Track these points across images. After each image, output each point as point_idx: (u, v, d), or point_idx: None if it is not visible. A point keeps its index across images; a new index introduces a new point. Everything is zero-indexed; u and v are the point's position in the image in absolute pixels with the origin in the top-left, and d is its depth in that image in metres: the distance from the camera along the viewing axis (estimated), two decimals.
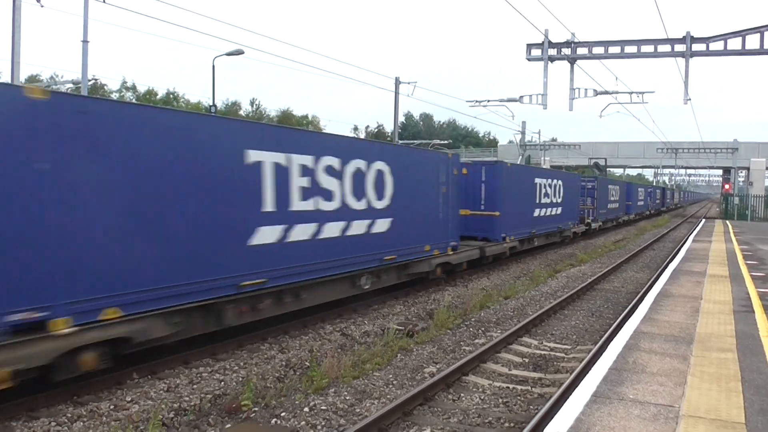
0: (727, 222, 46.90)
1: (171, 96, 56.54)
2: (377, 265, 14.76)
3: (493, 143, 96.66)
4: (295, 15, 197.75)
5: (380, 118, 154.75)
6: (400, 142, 38.08)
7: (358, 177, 13.71)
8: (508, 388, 9.52)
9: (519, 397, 9.13)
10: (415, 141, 49.38)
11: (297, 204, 11.84)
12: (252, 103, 66.70)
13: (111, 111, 8.66)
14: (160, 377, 9.73)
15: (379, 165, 14.54)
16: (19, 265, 7.47)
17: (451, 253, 18.27)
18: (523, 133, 62.93)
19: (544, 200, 26.47)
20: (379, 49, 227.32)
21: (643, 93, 35.64)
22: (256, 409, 8.32)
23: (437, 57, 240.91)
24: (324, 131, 69.30)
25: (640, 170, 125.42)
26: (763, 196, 61.89)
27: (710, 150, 65.91)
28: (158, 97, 55.27)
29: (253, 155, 10.78)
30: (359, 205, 13.81)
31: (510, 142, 75.34)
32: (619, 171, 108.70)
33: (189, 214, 9.62)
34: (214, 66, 26.96)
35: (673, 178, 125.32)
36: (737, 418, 5.47)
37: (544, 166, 68.46)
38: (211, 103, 29.10)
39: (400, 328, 12.82)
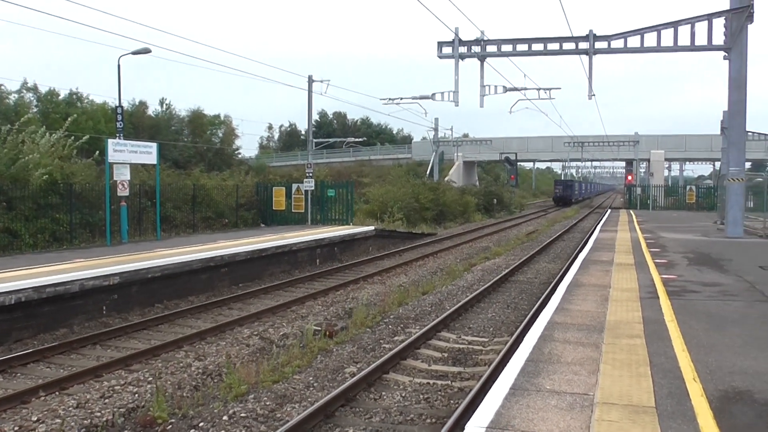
0: (631, 211, 48.82)
1: (74, 96, 54.30)
2: None
3: (407, 140, 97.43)
4: (205, 12, 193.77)
5: (294, 117, 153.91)
6: (315, 141, 37.82)
7: None
8: (428, 383, 9.57)
9: (440, 393, 9.19)
10: (330, 139, 49.11)
11: None
12: (161, 103, 64.76)
13: None
14: (69, 393, 9.30)
15: None
16: None
17: None
18: (435, 129, 63.75)
19: None
20: (293, 48, 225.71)
21: (550, 89, 36.74)
22: (173, 420, 8.06)
23: (351, 55, 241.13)
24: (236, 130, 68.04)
25: (548, 163, 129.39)
26: (663, 185, 64.86)
27: (613, 143, 68.43)
28: (60, 97, 52.95)
29: None
30: None
31: (423, 138, 76.20)
32: (528, 165, 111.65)
33: None
34: (119, 65, 26.05)
35: (579, 170, 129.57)
36: (648, 402, 5.65)
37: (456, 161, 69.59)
38: (117, 104, 28.12)
39: (319, 328, 12.72)
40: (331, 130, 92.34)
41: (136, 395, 9.12)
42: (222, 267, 18.45)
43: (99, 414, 8.39)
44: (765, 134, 49.76)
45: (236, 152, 70.52)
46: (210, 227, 28.37)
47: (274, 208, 31.49)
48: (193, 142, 61.55)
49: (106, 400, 8.94)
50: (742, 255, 17.92)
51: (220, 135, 69.66)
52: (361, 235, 27.64)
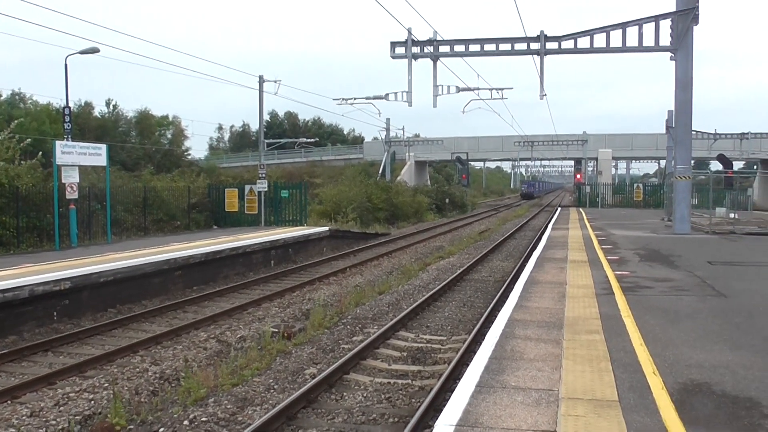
0: (581, 210, 49.69)
1: (17, 97, 52.73)
2: None
3: (358, 140, 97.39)
4: (153, 10, 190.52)
5: (246, 117, 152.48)
6: (266, 141, 37.51)
7: None
8: (389, 383, 9.57)
9: (401, 392, 9.20)
10: (281, 140, 48.76)
11: None
12: (108, 104, 63.34)
13: None
14: (23, 401, 9.04)
15: None
16: None
17: None
18: (387, 129, 63.88)
19: None
20: (244, 47, 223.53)
21: (503, 89, 37.13)
22: (131, 427, 7.89)
23: (303, 55, 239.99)
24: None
25: (499, 163, 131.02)
26: (611, 184, 66.20)
27: (563, 142, 69.62)
28: (2, 98, 51.35)
29: None
30: None
31: (375, 138, 76.34)
32: (479, 164, 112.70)
33: None
34: (66, 65, 25.41)
35: (529, 169, 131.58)
36: (611, 396, 5.75)
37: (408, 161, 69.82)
38: (63, 105, 27.42)
39: (276, 330, 12.61)
40: (283, 130, 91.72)
41: (92, 402, 8.90)
42: (176, 270, 18.16)
43: (54, 422, 8.16)
44: (709, 133, 51.26)
45: (186, 153, 69.42)
46: (162, 230, 27.89)
47: (226, 210, 31.13)
48: (141, 144, 60.44)
49: (61, 408, 8.70)
50: (690, 251, 18.39)
51: (169, 136, 68.49)
52: (316, 235, 27.54)
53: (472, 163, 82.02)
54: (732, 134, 56.93)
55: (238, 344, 12.10)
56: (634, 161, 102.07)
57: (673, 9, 23.45)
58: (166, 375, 10.13)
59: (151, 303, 16.49)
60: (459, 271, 20.00)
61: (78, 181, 21.69)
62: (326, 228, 29.47)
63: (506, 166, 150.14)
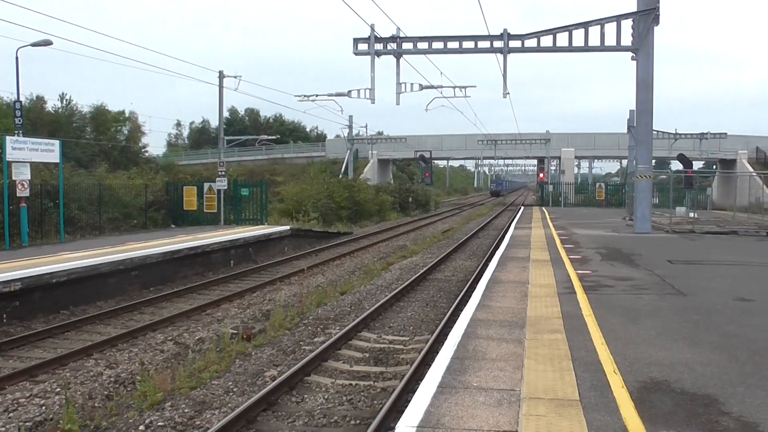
0: (544, 209, 50.24)
1: None
2: None
3: (321, 138, 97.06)
4: (110, 3, 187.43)
5: (206, 113, 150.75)
6: (226, 138, 37.16)
7: None
8: (351, 384, 9.56)
9: (363, 393, 9.19)
10: (242, 137, 48.30)
11: None
12: (61, 98, 62.11)
13: None
14: None
15: None
16: None
17: None
18: (350, 127, 63.83)
19: None
20: (204, 42, 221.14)
21: (466, 87, 37.38)
22: None
23: (264, 50, 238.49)
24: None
25: (462, 161, 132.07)
26: (574, 183, 67.03)
27: (526, 141, 70.25)
28: None
29: None
30: None
31: (337, 136, 76.11)
32: (442, 163, 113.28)
33: None
34: (17, 57, 24.84)
35: (492, 168, 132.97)
36: (572, 395, 5.82)
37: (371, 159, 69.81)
38: (14, 99, 26.83)
39: (236, 332, 12.51)
40: (243, 127, 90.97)
41: (44, 408, 8.72)
42: (132, 270, 17.90)
43: (3, 429, 7.98)
44: (670, 133, 52.25)
45: (143, 150, 68.47)
46: (117, 229, 27.47)
47: (185, 209, 30.78)
48: (96, 140, 59.44)
49: (11, 414, 8.51)
50: (651, 250, 18.71)
51: (126, 132, 67.47)
52: (276, 234, 27.39)
53: (435, 161, 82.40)
54: (692, 134, 58.23)
55: (196, 346, 11.98)
56: (596, 160, 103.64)
57: (635, 9, 23.82)
58: (122, 379, 9.98)
59: (106, 304, 16.21)
60: (422, 271, 20.08)
61: (29, 178, 21.25)
62: (287, 227, 29.32)
63: (470, 164, 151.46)
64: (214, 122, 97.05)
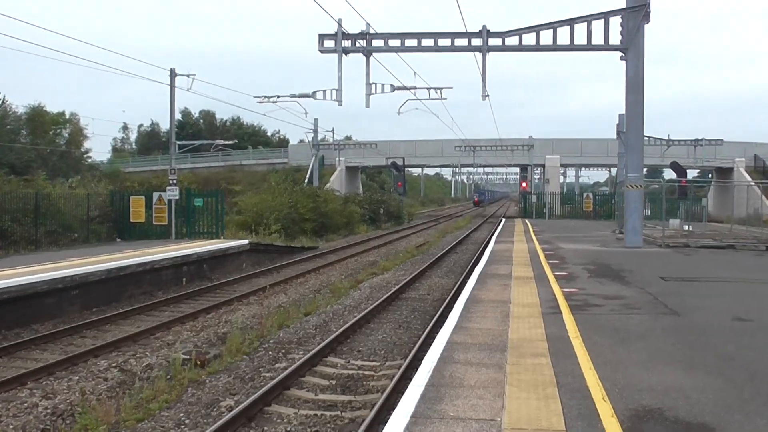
0: (527, 221, 50.59)
1: None
2: None
3: (283, 143, 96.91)
4: None
5: (155, 115, 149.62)
6: (178, 143, 36.92)
7: None
8: (316, 415, 9.52)
9: (329, 425, 9.16)
10: (196, 141, 48.02)
11: None
12: None
13: None
14: None
15: None
16: None
17: None
18: (315, 131, 63.75)
19: None
20: (155, 38, 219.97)
21: (442, 89, 37.55)
22: None
23: (221, 47, 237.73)
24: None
25: (438, 169, 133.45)
26: (559, 193, 67.59)
27: (507, 147, 70.74)
28: None
29: None
30: None
31: (301, 141, 76.10)
32: (417, 170, 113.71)
33: None
34: None
35: (471, 177, 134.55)
36: (557, 425, 5.84)
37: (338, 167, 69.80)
38: None
39: (188, 357, 12.39)
40: (197, 130, 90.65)
41: None
42: (72, 289, 17.68)
43: None
44: (662, 139, 52.98)
45: (85, 156, 67.90)
46: (56, 243, 27.12)
47: (132, 221, 30.51)
48: (33, 144, 58.76)
49: None
50: (643, 265, 18.94)
51: (66, 136, 66.84)
52: (234, 249, 27.27)
53: (409, 169, 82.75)
54: (686, 140, 59.07)
55: (144, 373, 11.85)
56: (583, 168, 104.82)
57: (624, 6, 24.18)
58: (60, 410, 9.83)
59: (43, 327, 15.99)
60: (394, 289, 20.10)
61: None
62: (246, 241, 29.20)
63: (446, 173, 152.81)
64: (165, 125, 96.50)
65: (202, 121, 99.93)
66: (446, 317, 11.58)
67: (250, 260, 28.49)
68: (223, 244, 27.01)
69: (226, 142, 51.75)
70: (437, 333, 10.18)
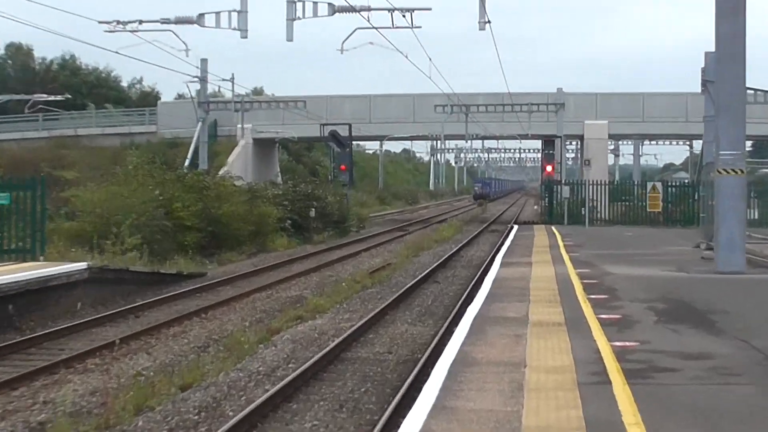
0: (554, 228, 50.79)
1: None
2: None
3: (149, 99, 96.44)
4: None
5: None
6: None
7: None
8: None
9: None
10: (1, 97, 47.52)
11: None
12: None
13: None
14: None
15: None
16: None
17: None
18: (203, 80, 63.43)
19: None
20: None
21: (413, 10, 37.20)
22: None
23: None
24: None
25: (408, 143, 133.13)
26: (608, 182, 67.34)
27: (522, 107, 70.26)
28: None
29: None
30: None
31: (180, 96, 75.67)
32: (373, 146, 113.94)
33: None
34: None
35: (463, 154, 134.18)
36: None
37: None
38: None
39: None
40: (5, 76, 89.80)
41: None
42: None
43: None
44: None
45: None
46: None
47: None
48: None
49: None
50: (745, 302, 19.02)
51: None
52: (62, 278, 26.97)
53: (359, 143, 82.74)
54: None
55: None
56: (648, 142, 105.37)
57: None
58: None
59: None
60: (332, 344, 19.98)
61: None
62: (84, 264, 28.88)
63: (421, 148, 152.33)
64: None
65: (11, 62, 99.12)
66: (419, 390, 11.45)
67: (89, 296, 28.22)
68: (44, 270, 26.69)
69: (52, 98, 51.30)
70: (403, 418, 10.03)
